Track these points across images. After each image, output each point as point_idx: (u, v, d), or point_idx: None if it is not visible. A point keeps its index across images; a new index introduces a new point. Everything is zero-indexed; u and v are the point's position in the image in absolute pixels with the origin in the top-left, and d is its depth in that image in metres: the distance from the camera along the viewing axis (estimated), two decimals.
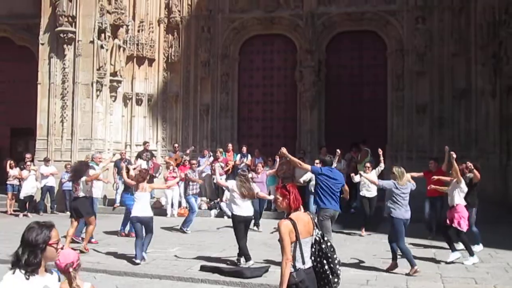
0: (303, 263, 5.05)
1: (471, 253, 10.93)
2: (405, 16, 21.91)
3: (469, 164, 12.76)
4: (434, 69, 21.45)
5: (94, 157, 16.07)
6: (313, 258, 5.14)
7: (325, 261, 5.13)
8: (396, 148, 21.60)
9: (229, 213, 13.46)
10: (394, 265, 10.26)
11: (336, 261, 5.18)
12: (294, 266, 5.05)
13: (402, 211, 10.20)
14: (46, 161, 19.69)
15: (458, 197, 11.22)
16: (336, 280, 5.17)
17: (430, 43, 21.39)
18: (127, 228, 14.42)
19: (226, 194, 16.34)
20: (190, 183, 16.20)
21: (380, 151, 14.02)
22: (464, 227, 11.08)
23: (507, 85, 19.00)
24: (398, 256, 10.24)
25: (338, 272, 5.19)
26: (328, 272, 5.13)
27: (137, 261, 10.89)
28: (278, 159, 15.64)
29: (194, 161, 17.42)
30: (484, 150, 19.91)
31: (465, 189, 11.43)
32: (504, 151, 19.36)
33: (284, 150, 10.49)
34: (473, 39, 20.67)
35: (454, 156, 11.43)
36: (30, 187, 19.18)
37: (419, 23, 21.42)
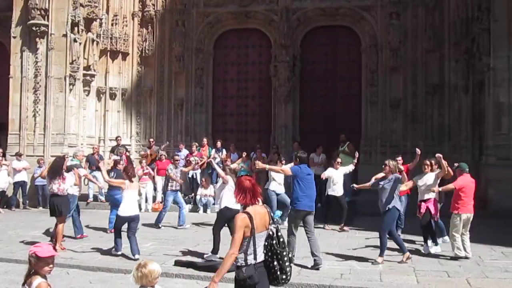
0: (255, 258, 5.07)
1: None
2: (379, 11, 22.02)
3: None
4: (408, 65, 21.59)
5: (77, 154, 15.50)
6: (265, 251, 5.15)
7: (275, 257, 5.12)
8: (370, 143, 21.72)
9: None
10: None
11: (285, 258, 5.14)
12: (245, 261, 5.06)
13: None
14: (18, 155, 19.44)
15: None
16: (284, 277, 5.16)
17: (404, 39, 21.53)
18: None
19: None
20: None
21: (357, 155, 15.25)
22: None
23: (479, 81, 19.21)
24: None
25: (287, 269, 5.17)
26: (276, 269, 5.12)
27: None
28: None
29: (177, 157, 16.86)
30: (457, 145, 20.12)
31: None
32: (477, 146, 19.60)
33: (260, 164, 10.75)
34: (447, 36, 20.85)
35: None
36: (2, 182, 18.94)
37: (393, 19, 21.55)
